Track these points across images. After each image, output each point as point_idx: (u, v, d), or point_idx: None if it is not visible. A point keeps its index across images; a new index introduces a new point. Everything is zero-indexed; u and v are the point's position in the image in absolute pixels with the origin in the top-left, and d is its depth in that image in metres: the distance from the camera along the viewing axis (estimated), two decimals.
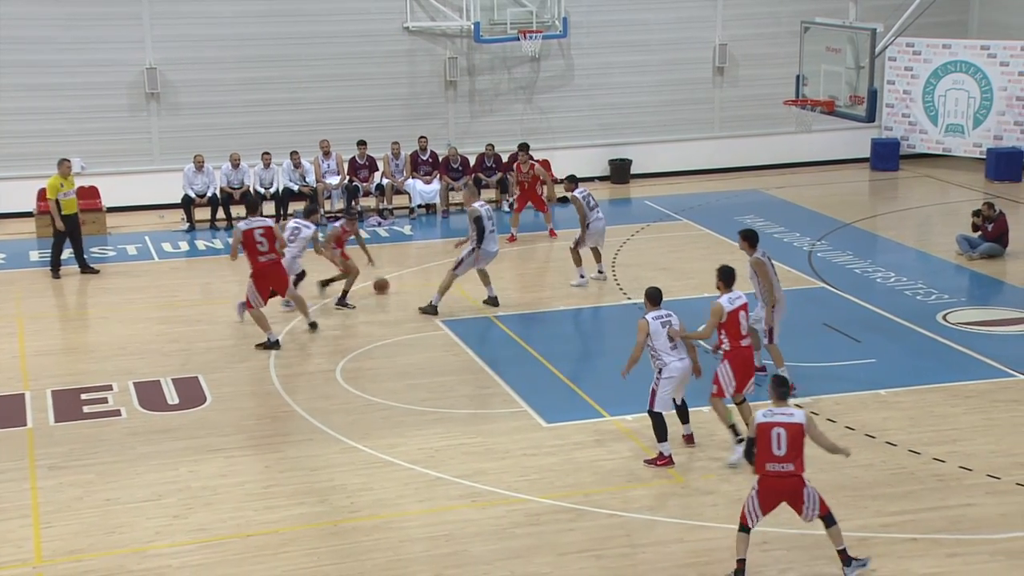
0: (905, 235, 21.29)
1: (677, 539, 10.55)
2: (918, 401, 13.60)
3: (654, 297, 12.02)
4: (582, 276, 18.04)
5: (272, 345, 15.44)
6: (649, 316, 11.89)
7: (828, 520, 9.75)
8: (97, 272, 19.33)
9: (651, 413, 11.88)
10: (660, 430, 11.89)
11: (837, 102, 17.80)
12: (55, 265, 19.23)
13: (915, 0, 17.60)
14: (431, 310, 16.74)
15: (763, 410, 9.71)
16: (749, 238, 13.65)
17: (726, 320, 11.90)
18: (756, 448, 9.59)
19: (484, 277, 17.05)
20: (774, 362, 13.80)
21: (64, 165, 19.28)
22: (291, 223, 17.34)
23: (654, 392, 11.86)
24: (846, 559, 9.77)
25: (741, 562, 9.76)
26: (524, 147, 22.06)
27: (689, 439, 12.33)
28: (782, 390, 9.83)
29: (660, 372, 11.82)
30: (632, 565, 10.16)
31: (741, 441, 11.68)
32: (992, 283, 18.36)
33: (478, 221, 16.47)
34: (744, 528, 9.76)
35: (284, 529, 10.88)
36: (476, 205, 16.71)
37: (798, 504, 9.67)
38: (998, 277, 18.54)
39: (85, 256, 19.49)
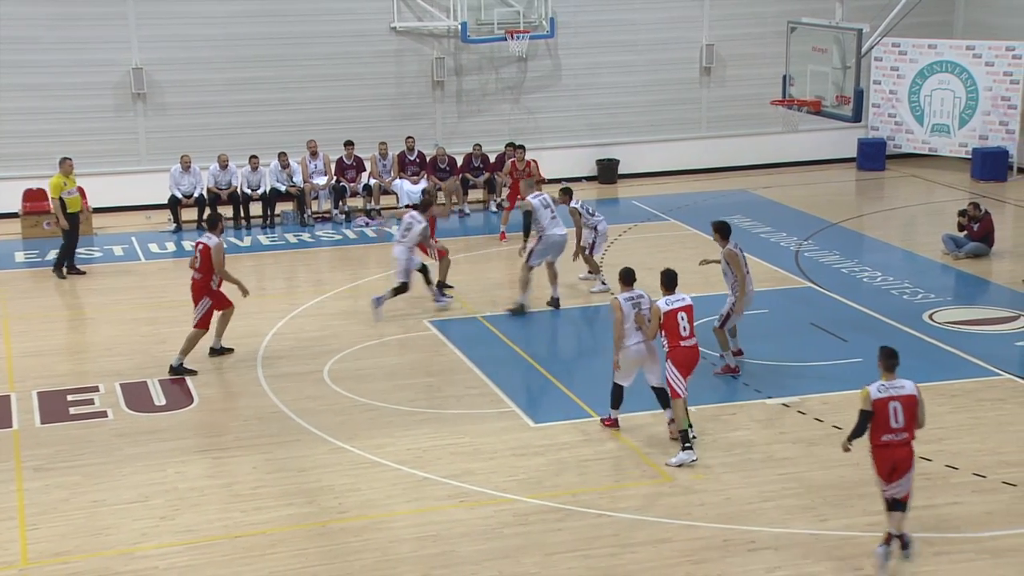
0: (891, 235, 21.36)
1: (665, 538, 10.56)
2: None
3: (627, 277, 12.46)
4: (603, 283, 17.76)
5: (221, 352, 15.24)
6: (621, 297, 12.29)
7: (902, 506, 9.80)
8: (84, 273, 19.25)
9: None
10: (614, 399, 12.63)
11: (823, 102, 17.84)
12: (61, 265, 19.18)
13: (901, 0, 17.66)
14: (520, 310, 16.70)
15: (876, 384, 9.79)
16: (721, 230, 14.13)
17: (664, 321, 12.11)
18: (871, 422, 9.71)
19: (552, 275, 17.01)
20: (719, 345, 14.20)
21: (66, 164, 19.31)
22: (405, 217, 16.87)
23: (616, 363, 12.38)
24: (904, 543, 9.79)
25: (889, 535, 9.83)
26: (520, 146, 22.09)
27: (672, 422, 12.45)
28: (891, 362, 9.91)
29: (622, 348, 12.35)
30: (620, 565, 10.16)
31: (687, 449, 11.97)
32: (978, 282, 18.43)
33: (528, 215, 16.99)
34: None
35: (272, 530, 10.86)
36: (529, 198, 16.99)
37: (905, 471, 9.73)
38: (984, 276, 18.62)
39: (74, 257, 19.45)
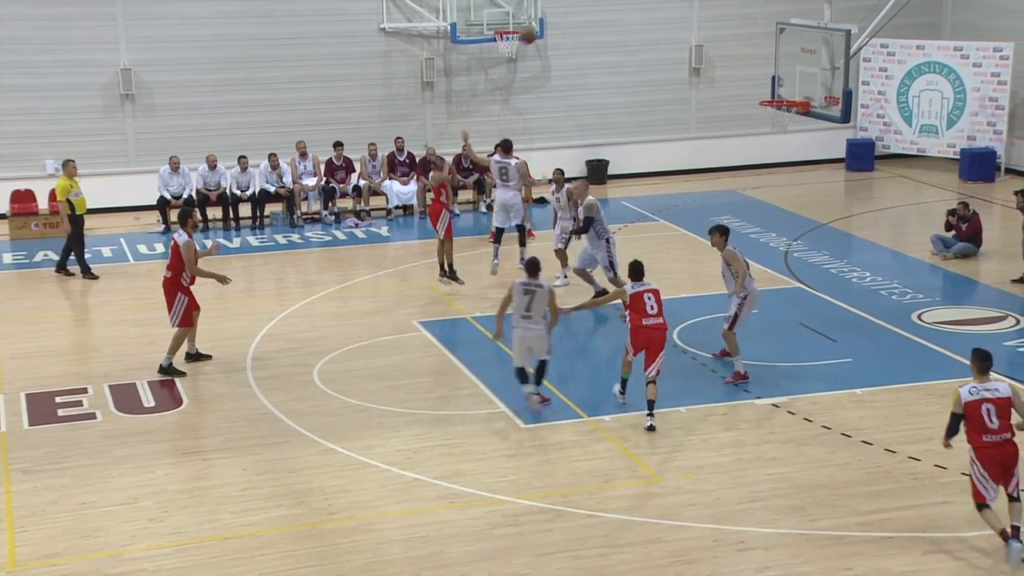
0: (880, 235, 21.41)
1: (655, 539, 10.57)
2: (893, 400, 13.67)
3: (530, 267, 13.23)
4: (565, 277, 18.05)
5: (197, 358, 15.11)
6: (517, 281, 13.16)
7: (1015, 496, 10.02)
8: (72, 275, 19.20)
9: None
10: (520, 378, 13.41)
11: (812, 103, 17.87)
12: (84, 268, 19.17)
13: (889, 1, 17.70)
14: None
15: (968, 387, 10.02)
16: (723, 232, 14.27)
17: (630, 300, 13.05)
18: (966, 425, 9.98)
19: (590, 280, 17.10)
20: (728, 350, 14.26)
21: (70, 166, 19.34)
22: (495, 164, 18.30)
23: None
24: (1016, 534, 9.96)
25: (1003, 532, 10.00)
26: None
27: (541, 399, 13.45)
28: (984, 364, 10.12)
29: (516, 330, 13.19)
30: (610, 565, 10.16)
31: (623, 393, 13.35)
32: (966, 282, 18.48)
33: (590, 220, 16.65)
34: (983, 506, 10.03)
35: (262, 532, 10.84)
36: (591, 198, 16.77)
37: (1012, 469, 9.95)
38: (972, 277, 18.67)
39: (66, 259, 19.38)
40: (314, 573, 10.12)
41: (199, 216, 21.18)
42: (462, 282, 17.83)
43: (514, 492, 11.50)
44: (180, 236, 14.65)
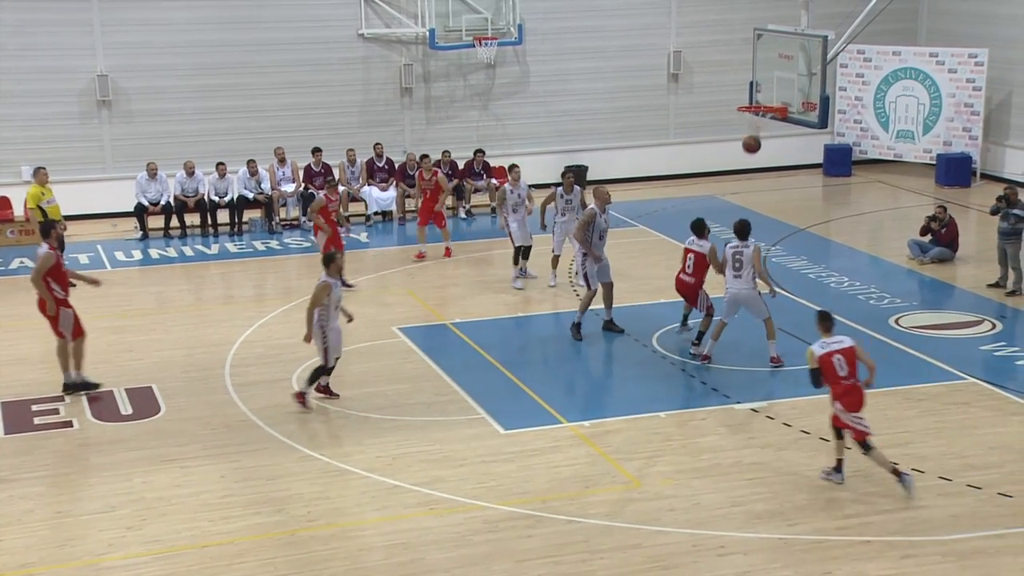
0: (857, 240, 21.51)
1: (635, 544, 10.57)
2: (871, 404, 13.57)
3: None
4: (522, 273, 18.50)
5: (78, 386, 14.27)
6: (329, 279, 13.60)
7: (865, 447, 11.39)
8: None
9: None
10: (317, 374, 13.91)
11: (790, 108, 17.93)
12: None
13: (865, 8, 17.80)
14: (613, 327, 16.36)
15: (818, 343, 11.51)
16: (742, 230, 14.96)
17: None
18: (825, 377, 11.42)
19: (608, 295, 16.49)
20: (768, 335, 14.99)
21: (40, 173, 19.07)
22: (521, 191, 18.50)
23: (324, 349, 13.68)
24: (898, 474, 11.32)
25: (895, 469, 11.41)
26: (425, 156, 21.07)
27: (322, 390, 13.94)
28: (828, 323, 11.71)
29: (324, 330, 13.55)
30: (590, 571, 10.16)
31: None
32: (943, 287, 18.58)
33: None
34: (868, 446, 11.46)
35: (240, 539, 10.79)
36: (592, 207, 16.19)
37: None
38: (948, 281, 18.77)
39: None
40: None
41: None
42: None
43: (494, 498, 11.49)
44: (40, 247, 14.16)
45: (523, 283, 18.28)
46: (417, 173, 20.91)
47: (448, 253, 20.15)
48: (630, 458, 12.31)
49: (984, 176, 25.38)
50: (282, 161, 22.73)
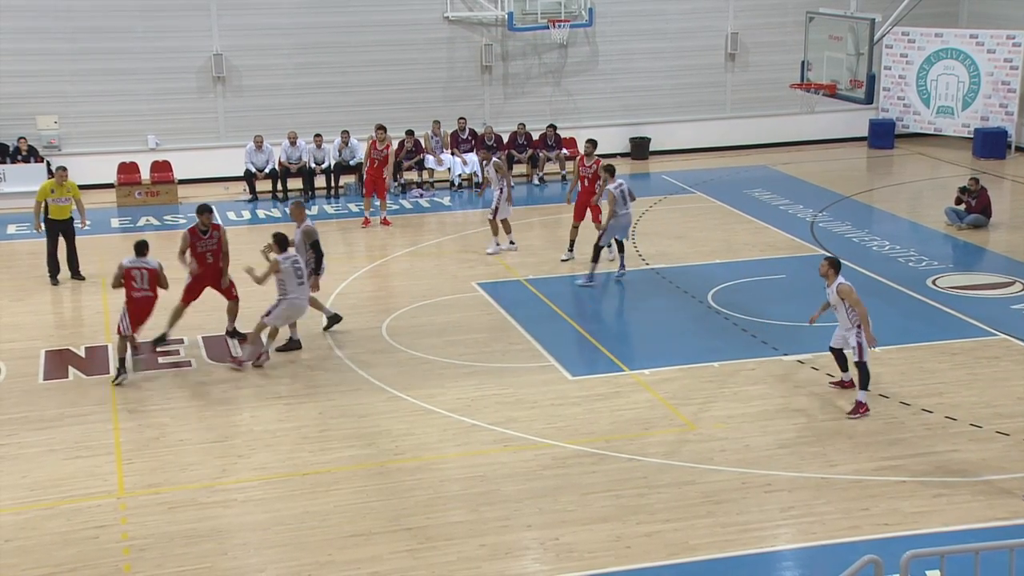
0: (899, 207, 21.06)
1: (689, 481, 10.55)
2: (908, 358, 13.49)
3: (282, 243, 13.43)
4: (498, 245, 17.89)
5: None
6: (280, 256, 13.34)
7: None
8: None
9: (267, 319, 13.50)
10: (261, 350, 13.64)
11: (838, 86, 17.62)
12: (52, 271, 17.10)
13: None
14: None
15: (613, 185, 13.77)
16: (834, 265, 12.26)
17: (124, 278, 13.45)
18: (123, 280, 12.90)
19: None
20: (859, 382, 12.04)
21: (59, 172, 17.09)
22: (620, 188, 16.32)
23: (270, 311, 13.45)
24: None
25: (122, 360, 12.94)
26: (380, 127, 19.88)
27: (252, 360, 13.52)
28: (141, 246, 13.22)
29: (283, 298, 13.44)
30: (648, 504, 10.16)
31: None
32: (977, 251, 18.15)
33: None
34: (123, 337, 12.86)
35: (336, 469, 10.95)
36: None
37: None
38: (982, 245, 18.33)
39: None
40: (382, 507, 10.22)
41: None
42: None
43: (562, 437, 11.52)
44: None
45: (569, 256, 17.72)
46: (369, 143, 19.88)
47: (386, 222, 19.83)
48: (686, 403, 12.26)
49: (1019, 149, 24.69)
50: (436, 133, 22.71)
